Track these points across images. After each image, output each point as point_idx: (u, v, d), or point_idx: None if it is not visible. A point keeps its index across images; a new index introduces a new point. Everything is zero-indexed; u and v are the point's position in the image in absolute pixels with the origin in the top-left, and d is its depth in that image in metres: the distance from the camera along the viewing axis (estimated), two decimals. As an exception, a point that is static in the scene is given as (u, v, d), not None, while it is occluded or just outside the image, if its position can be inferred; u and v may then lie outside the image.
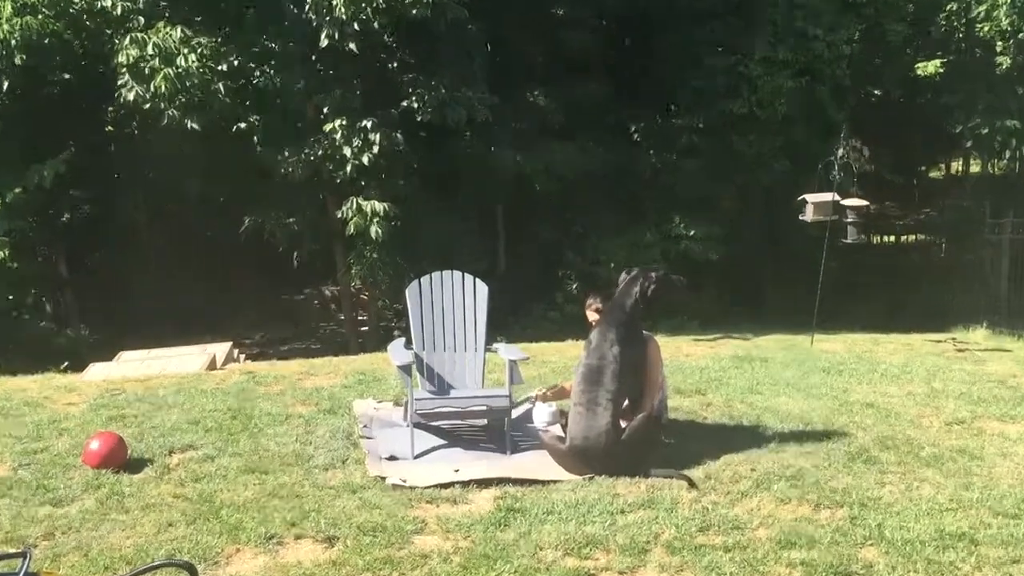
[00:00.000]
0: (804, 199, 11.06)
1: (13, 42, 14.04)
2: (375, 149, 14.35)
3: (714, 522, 4.98)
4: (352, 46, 14.15)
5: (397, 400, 7.32)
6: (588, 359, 5.96)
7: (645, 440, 5.85)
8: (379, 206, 14.43)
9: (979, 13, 17.04)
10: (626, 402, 6.22)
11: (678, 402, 7.44)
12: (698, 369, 8.99)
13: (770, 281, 18.50)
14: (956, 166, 27.48)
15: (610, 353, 5.88)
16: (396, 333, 16.59)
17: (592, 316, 6.47)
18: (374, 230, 14.34)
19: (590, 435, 5.72)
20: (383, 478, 5.59)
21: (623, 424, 6.12)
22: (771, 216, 17.87)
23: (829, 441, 6.36)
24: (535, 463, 5.93)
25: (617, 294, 6.19)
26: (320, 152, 14.79)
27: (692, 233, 16.70)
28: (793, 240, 17.49)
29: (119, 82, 14.15)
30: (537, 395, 6.70)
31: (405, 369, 6.08)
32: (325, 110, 14.90)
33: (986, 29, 16.94)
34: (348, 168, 14.49)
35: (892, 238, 25.38)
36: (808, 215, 11.01)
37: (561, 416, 6.54)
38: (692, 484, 5.50)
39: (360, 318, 20.06)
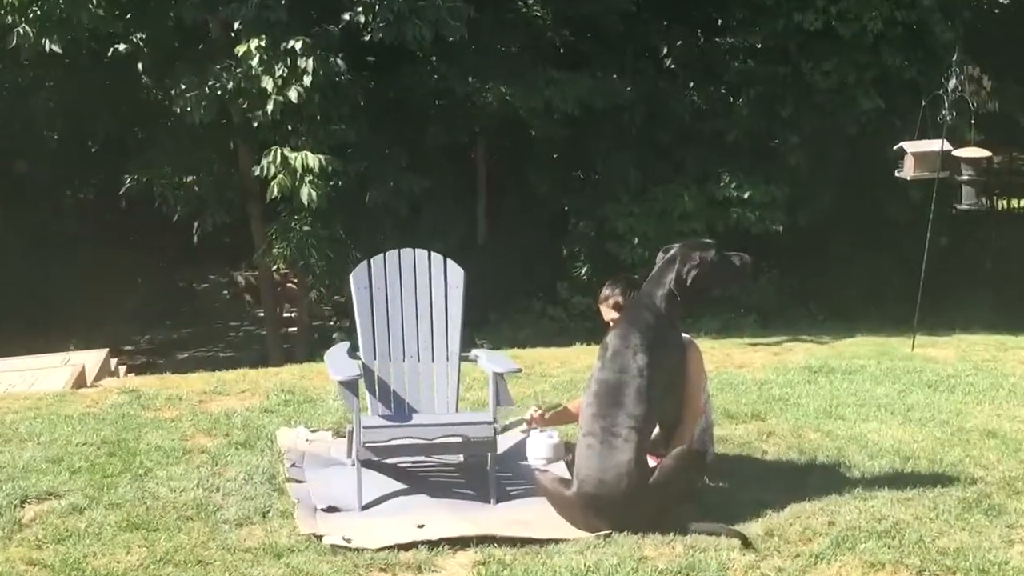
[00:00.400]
0: (902, 149, 11.08)
1: None
2: (306, 80, 14.29)
3: (778, 596, 4.98)
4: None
5: (338, 429, 7.29)
6: (603, 372, 5.95)
7: (682, 484, 5.85)
8: (313, 159, 14.39)
9: None
10: (655, 431, 6.22)
11: (728, 431, 7.43)
12: (756, 385, 8.97)
13: (855, 263, 18.54)
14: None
15: (633, 365, 5.88)
16: (336, 336, 16.63)
17: (610, 314, 6.46)
18: (306, 193, 14.30)
19: (606, 477, 5.71)
20: (319, 537, 5.56)
21: (651, 462, 6.11)
22: (855, 173, 17.89)
23: (936, 484, 6.36)
24: (530, 516, 5.91)
25: (646, 282, 6.19)
26: (230, 85, 14.74)
27: (747, 196, 16.71)
28: (886, 206, 17.51)
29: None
30: (533, 419, 6.70)
31: (349, 386, 6.06)
32: (236, 26, 14.84)
33: None
34: (269, 107, 14.44)
35: (1024, 203, 25.45)
36: (907, 171, 11.03)
37: (566, 451, 6.53)
38: (747, 543, 5.50)
39: (287, 315, 20.02)
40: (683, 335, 6.32)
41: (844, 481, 6.41)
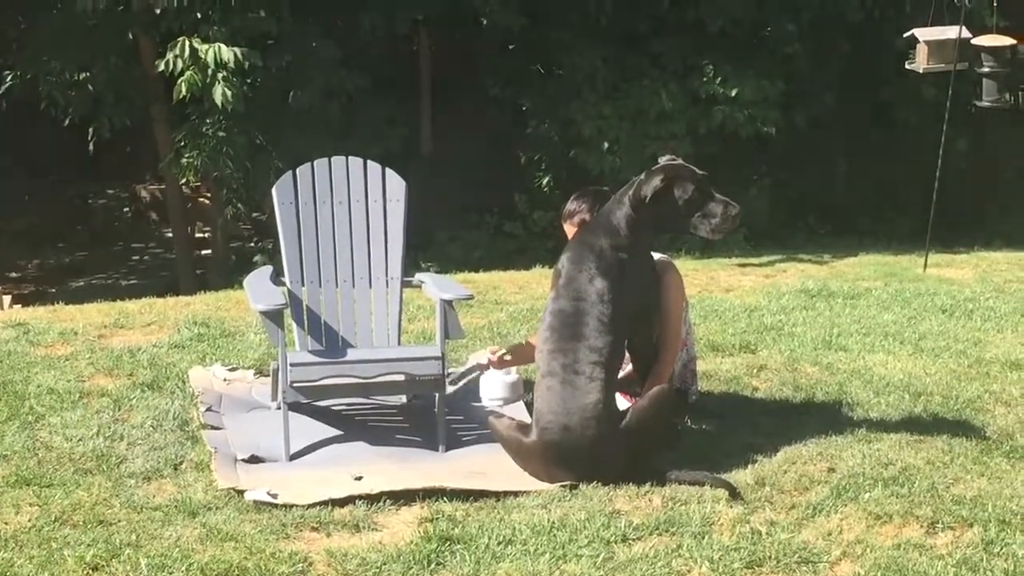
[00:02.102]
0: (914, 37, 11.05)
1: None
2: (218, -43, 14.11)
3: (770, 554, 5.02)
4: None
5: (261, 367, 7.30)
6: (558, 302, 5.97)
7: (659, 427, 5.89)
8: (227, 52, 14.20)
9: None
10: (627, 367, 6.24)
11: (713, 365, 7.47)
12: (745, 311, 9.02)
13: (859, 171, 18.58)
14: None
15: (591, 289, 5.89)
16: (258, 259, 16.53)
17: (574, 232, 6.44)
18: (219, 92, 14.12)
19: (570, 421, 5.73)
20: (240, 492, 5.57)
21: (623, 402, 6.13)
22: (861, 67, 17.88)
23: (951, 424, 6.44)
24: (484, 465, 5.95)
25: (610, 200, 6.17)
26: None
27: (734, 93, 16.60)
28: (896, 105, 17.53)
29: None
30: (491, 363, 6.68)
31: (273, 317, 6.04)
32: None
33: None
34: (175, -12, 14.26)
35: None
36: (919, 62, 11.02)
37: (526, 390, 6.54)
38: (734, 493, 5.56)
39: (199, 235, 19.89)
40: (656, 256, 6.33)
41: (846, 421, 6.47)
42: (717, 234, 6.11)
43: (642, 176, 6.09)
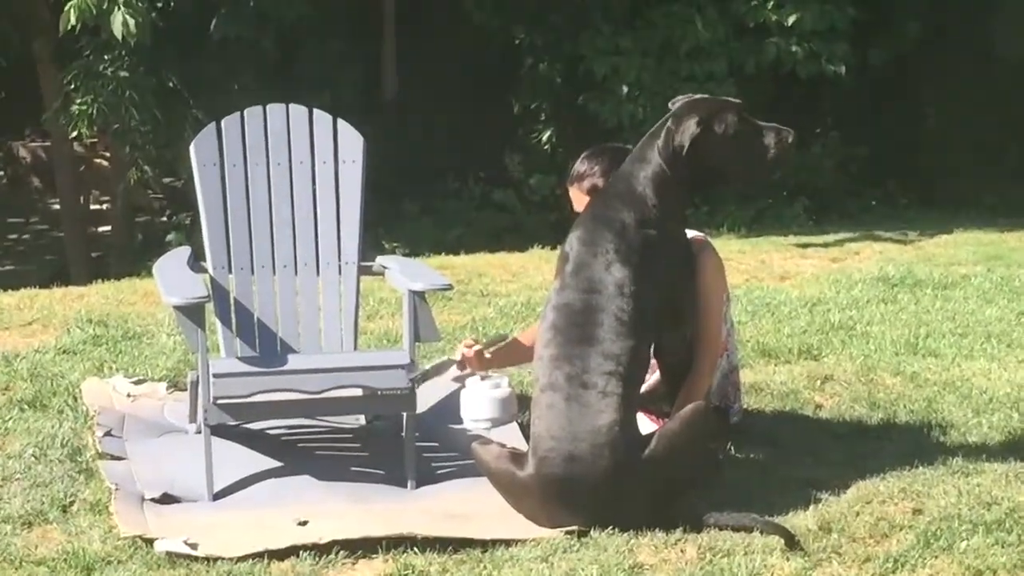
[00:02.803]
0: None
1: None
2: None
3: (838, 620, 5.05)
4: None
5: (176, 380, 7.31)
6: (564, 294, 5.97)
7: (694, 456, 5.90)
8: (131, -35, 14.24)
9: None
10: (651, 377, 6.24)
11: (764, 375, 7.50)
12: (805, 306, 9.04)
13: (954, 123, 18.62)
14: None
15: (608, 279, 5.89)
16: (171, 238, 16.56)
17: (584, 202, 6.44)
18: (119, 20, 14.13)
19: (577, 448, 5.73)
20: (149, 541, 5.58)
21: (648, 424, 6.14)
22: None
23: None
24: (466, 505, 5.97)
25: (628, 159, 6.18)
26: None
27: (791, 21, 16.65)
28: (1000, 38, 17.52)
29: None
30: (466, 359, 6.64)
31: (191, 314, 6.03)
32: None
33: None
34: None
35: None
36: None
37: (521, 409, 6.54)
38: (792, 541, 5.56)
39: (95, 207, 19.89)
40: (690, 233, 6.34)
41: (936, 449, 6.49)
42: (774, 169, 6.26)
43: (666, 124, 6.09)
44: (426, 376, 6.68)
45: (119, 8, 14.13)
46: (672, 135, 6.00)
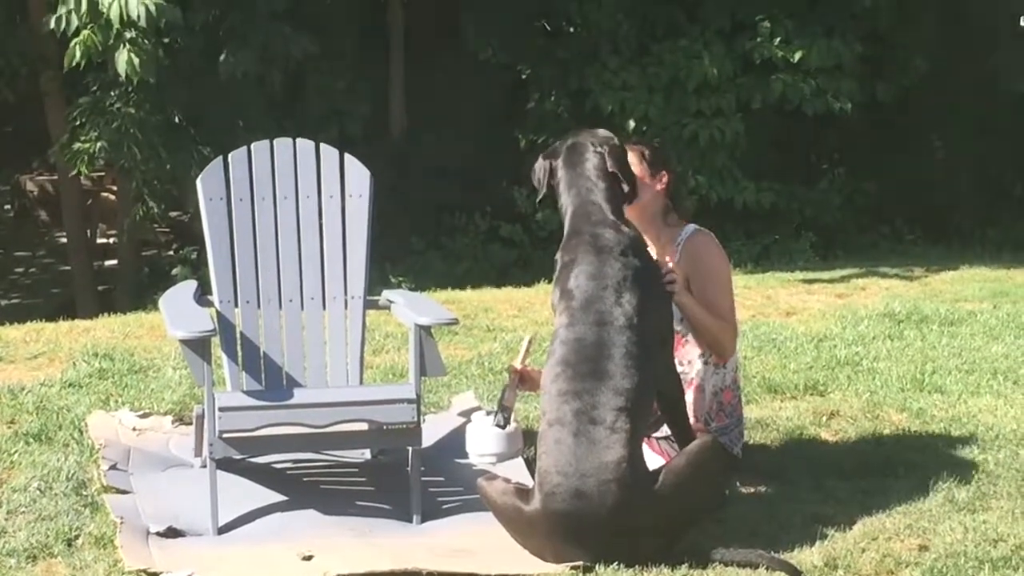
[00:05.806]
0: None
1: None
2: None
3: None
4: None
5: (181, 414, 7.29)
6: (572, 329, 5.93)
7: (703, 492, 5.89)
8: (136, 5, 14.19)
9: None
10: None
11: (770, 411, 7.48)
12: (812, 342, 9.02)
13: (960, 158, 18.61)
14: None
15: (618, 312, 5.88)
16: (178, 272, 16.54)
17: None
18: (125, 58, 14.13)
19: (585, 484, 5.71)
20: (153, 574, 5.55)
21: (652, 456, 6.12)
22: (961, 25, 17.89)
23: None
24: (471, 541, 5.95)
25: (568, 191, 6.25)
26: None
27: (798, 58, 16.67)
28: (1006, 73, 17.51)
29: None
30: (514, 366, 6.61)
31: (197, 347, 6.03)
32: None
33: None
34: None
35: None
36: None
37: (527, 444, 6.53)
38: (798, 579, 5.56)
39: (102, 241, 19.87)
40: (690, 227, 6.52)
41: (942, 485, 6.44)
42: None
43: (542, 167, 6.30)
44: (504, 410, 6.56)
45: (124, 46, 14.13)
46: (599, 155, 6.13)
